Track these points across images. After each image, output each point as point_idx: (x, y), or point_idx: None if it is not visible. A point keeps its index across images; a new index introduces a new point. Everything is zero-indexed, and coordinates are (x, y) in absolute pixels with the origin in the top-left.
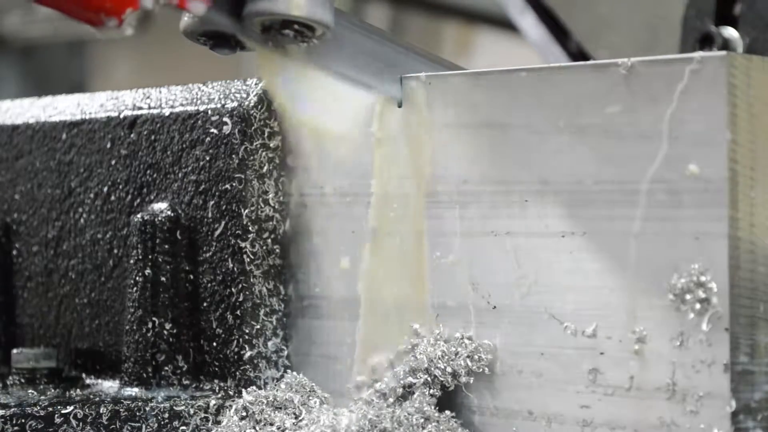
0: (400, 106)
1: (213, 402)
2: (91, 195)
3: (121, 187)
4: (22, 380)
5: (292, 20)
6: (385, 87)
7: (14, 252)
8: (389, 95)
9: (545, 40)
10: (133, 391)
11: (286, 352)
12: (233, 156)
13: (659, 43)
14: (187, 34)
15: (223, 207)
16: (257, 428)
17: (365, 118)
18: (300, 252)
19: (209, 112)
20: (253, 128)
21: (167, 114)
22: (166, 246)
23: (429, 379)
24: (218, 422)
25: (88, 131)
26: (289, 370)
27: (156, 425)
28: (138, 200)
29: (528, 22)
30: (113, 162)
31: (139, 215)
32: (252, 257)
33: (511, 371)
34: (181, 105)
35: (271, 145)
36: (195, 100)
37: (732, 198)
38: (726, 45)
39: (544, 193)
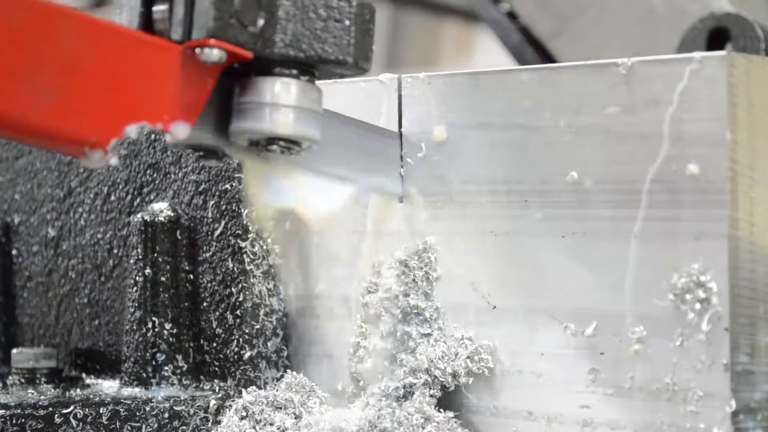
0: (401, 201)
1: (213, 402)
2: (91, 195)
3: (121, 187)
4: (22, 380)
5: (278, 137)
6: (384, 183)
7: (14, 252)
8: (389, 192)
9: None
10: (133, 391)
11: (286, 352)
12: None
13: None
14: (175, 146)
15: (223, 207)
16: (257, 428)
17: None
18: (300, 252)
19: None
20: None
21: None
22: (166, 246)
23: (429, 379)
24: (218, 422)
25: None
26: (289, 370)
27: (156, 425)
28: (138, 200)
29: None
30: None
31: (139, 215)
32: (252, 257)
33: (511, 371)
34: None
35: None
36: None
37: (732, 198)
38: None
39: (544, 193)
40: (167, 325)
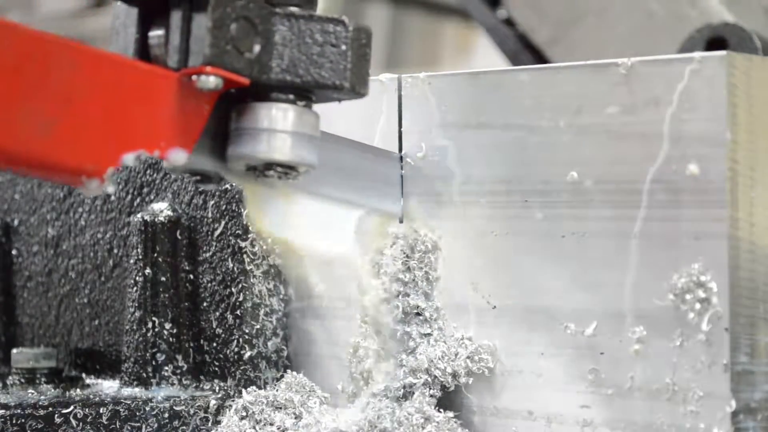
0: (401, 221)
1: (213, 402)
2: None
3: (121, 187)
4: (22, 380)
5: (275, 163)
6: (384, 204)
7: (14, 252)
8: (388, 212)
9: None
10: (133, 391)
11: (286, 352)
12: None
13: None
14: (172, 171)
15: (223, 207)
16: (257, 428)
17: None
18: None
19: None
20: None
21: None
22: (166, 246)
23: (429, 379)
24: (218, 422)
25: None
26: (289, 370)
27: (156, 425)
28: (138, 200)
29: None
30: None
31: (139, 215)
32: (252, 257)
33: (511, 371)
34: None
35: None
36: None
37: (732, 198)
38: None
39: (544, 193)
40: (167, 325)
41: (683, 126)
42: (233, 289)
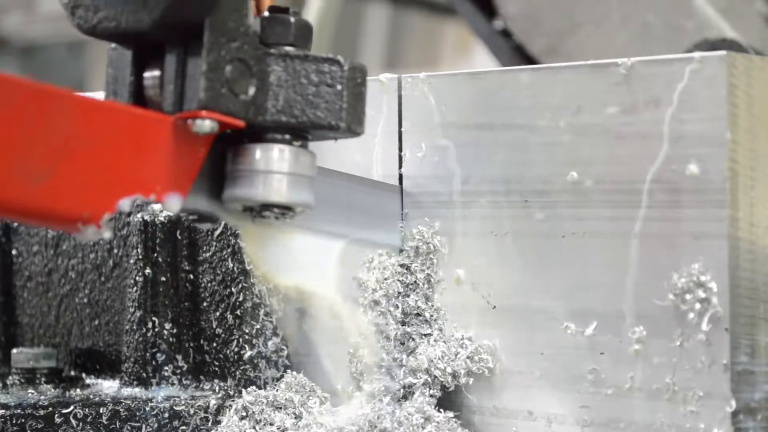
0: (400, 252)
1: (213, 402)
2: None
3: None
4: (22, 380)
5: (272, 204)
6: (384, 238)
7: (14, 252)
8: (388, 245)
9: None
10: (133, 391)
11: (286, 352)
12: None
13: None
14: (168, 212)
15: None
16: (257, 428)
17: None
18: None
19: None
20: None
21: None
22: (166, 246)
23: (429, 379)
24: (218, 422)
25: None
26: (289, 370)
27: (156, 425)
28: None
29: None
30: None
31: (139, 215)
32: None
33: (512, 371)
34: None
35: None
36: None
37: (732, 198)
38: None
39: (544, 193)
40: (167, 325)
41: (683, 126)
42: (233, 289)
